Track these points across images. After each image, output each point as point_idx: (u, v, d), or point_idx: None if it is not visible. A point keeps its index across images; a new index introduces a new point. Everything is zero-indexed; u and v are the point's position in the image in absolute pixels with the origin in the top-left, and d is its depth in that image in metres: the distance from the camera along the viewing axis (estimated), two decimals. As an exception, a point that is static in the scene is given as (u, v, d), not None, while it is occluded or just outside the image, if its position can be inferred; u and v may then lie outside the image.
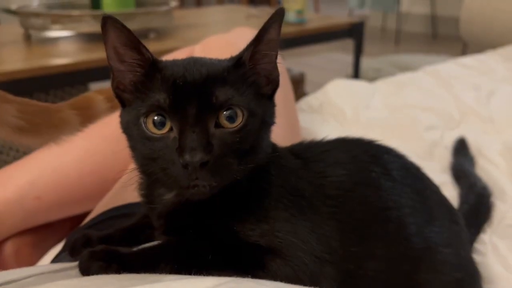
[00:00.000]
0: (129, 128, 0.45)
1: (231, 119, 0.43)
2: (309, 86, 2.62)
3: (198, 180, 0.41)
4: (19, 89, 1.49)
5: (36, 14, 1.71)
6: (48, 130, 0.39)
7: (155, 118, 0.43)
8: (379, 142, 0.58)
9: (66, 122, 0.41)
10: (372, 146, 0.57)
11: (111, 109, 0.45)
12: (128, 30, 0.43)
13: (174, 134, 0.42)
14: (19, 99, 0.40)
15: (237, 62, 0.45)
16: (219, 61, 0.47)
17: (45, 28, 1.69)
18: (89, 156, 0.83)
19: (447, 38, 4.29)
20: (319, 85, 1.51)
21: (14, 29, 1.87)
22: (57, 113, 0.41)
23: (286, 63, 1.05)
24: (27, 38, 1.76)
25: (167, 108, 0.42)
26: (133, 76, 0.45)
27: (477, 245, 0.76)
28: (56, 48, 1.75)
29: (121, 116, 0.47)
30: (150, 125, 0.43)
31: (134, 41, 0.44)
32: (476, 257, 0.71)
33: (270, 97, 0.49)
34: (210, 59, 0.47)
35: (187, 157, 0.40)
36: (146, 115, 0.43)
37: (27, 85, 1.47)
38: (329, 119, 1.28)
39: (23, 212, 0.79)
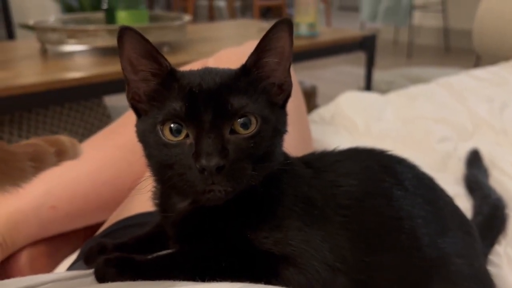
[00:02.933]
0: (146, 136, 0.46)
1: (245, 125, 0.44)
2: (321, 99, 2.62)
3: (214, 184, 0.42)
4: (36, 102, 1.52)
5: (53, 29, 1.74)
6: (2, 177, 0.40)
7: (172, 125, 0.44)
8: (391, 152, 0.58)
9: (22, 173, 0.41)
10: (384, 156, 0.57)
11: (58, 163, 0.46)
12: (146, 40, 0.45)
13: (190, 140, 0.43)
14: None
15: (243, 69, 0.47)
16: (231, 70, 0.48)
17: (61, 42, 1.72)
18: (103, 166, 0.84)
19: (460, 51, 4.28)
20: (331, 98, 1.51)
21: (31, 43, 1.91)
22: (16, 162, 0.41)
23: (298, 76, 1.05)
24: (44, 52, 1.80)
25: (184, 116, 0.43)
26: (148, 85, 0.46)
27: (492, 257, 0.75)
28: (71, 62, 1.78)
29: (137, 125, 0.48)
30: (167, 132, 0.44)
31: (152, 51, 0.45)
32: (491, 269, 0.70)
33: (282, 106, 0.49)
34: (223, 69, 0.49)
35: (204, 161, 0.41)
36: (163, 122, 0.44)
37: (43, 98, 1.50)
38: (341, 131, 1.28)
39: (38, 221, 0.80)
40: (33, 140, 0.47)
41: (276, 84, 0.48)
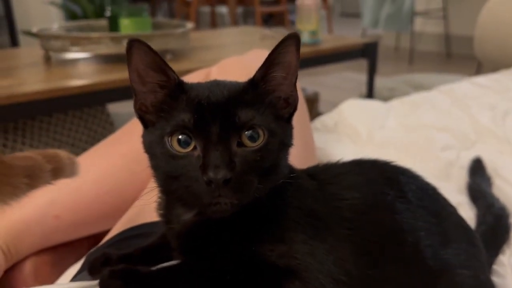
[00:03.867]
0: (152, 147, 0.46)
1: (252, 138, 0.44)
2: (323, 106, 2.62)
3: (221, 197, 0.42)
4: (39, 109, 1.52)
5: (56, 37, 1.75)
6: None
7: (180, 137, 0.44)
8: (395, 163, 0.58)
9: (13, 190, 0.40)
10: (388, 168, 0.57)
11: (53, 179, 0.45)
12: (154, 52, 0.45)
13: (198, 152, 0.43)
14: None
15: (251, 82, 0.47)
16: (239, 83, 0.48)
17: (64, 50, 1.73)
18: (108, 175, 0.85)
19: (461, 57, 4.28)
20: (333, 105, 1.52)
21: (34, 51, 1.92)
22: (10, 177, 0.40)
23: (300, 83, 1.06)
24: (47, 59, 1.81)
25: (192, 127, 0.44)
26: (156, 97, 0.47)
27: (496, 267, 0.75)
28: (75, 69, 1.79)
29: (143, 136, 0.49)
30: (175, 144, 0.44)
31: (160, 63, 0.45)
32: (495, 279, 0.70)
33: (288, 119, 0.50)
34: (231, 82, 0.49)
35: (211, 174, 0.41)
36: (171, 134, 0.44)
37: (46, 106, 1.50)
38: (344, 139, 1.28)
39: (42, 231, 0.80)
40: (31, 154, 0.45)
41: (282, 98, 0.48)
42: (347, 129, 1.32)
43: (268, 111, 0.46)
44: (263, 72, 0.47)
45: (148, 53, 0.45)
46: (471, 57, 3.01)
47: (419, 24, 4.71)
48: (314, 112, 2.42)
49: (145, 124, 0.49)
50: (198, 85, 0.48)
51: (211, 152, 0.42)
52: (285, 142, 0.48)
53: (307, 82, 3.18)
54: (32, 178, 0.42)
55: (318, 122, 1.38)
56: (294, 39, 0.46)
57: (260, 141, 0.45)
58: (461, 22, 4.36)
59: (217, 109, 0.44)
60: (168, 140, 0.44)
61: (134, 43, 0.44)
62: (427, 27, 4.72)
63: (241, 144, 0.44)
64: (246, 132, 0.44)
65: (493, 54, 2.31)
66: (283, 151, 0.48)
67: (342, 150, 1.19)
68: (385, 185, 0.53)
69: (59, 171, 0.46)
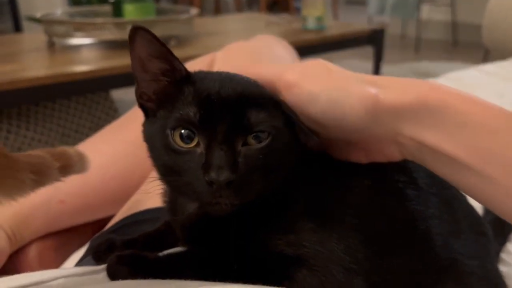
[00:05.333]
0: (153, 138, 0.44)
1: (257, 138, 0.42)
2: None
3: (221, 197, 0.41)
4: (43, 95, 1.52)
5: (60, 22, 1.74)
6: None
7: (183, 131, 0.42)
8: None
9: (19, 184, 0.38)
10: None
11: (62, 176, 0.44)
12: (159, 41, 0.43)
13: (201, 149, 0.41)
14: None
15: (275, 101, 0.45)
16: (252, 81, 0.46)
17: (68, 35, 1.73)
18: (113, 161, 0.84)
19: (468, 45, 4.24)
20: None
21: (38, 36, 1.91)
22: (15, 171, 0.39)
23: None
24: (51, 45, 1.80)
25: (197, 123, 0.41)
26: (159, 86, 0.45)
27: (503, 255, 0.75)
28: (78, 55, 1.78)
29: (144, 125, 0.47)
30: (177, 138, 0.42)
31: (165, 53, 0.43)
32: (502, 268, 0.69)
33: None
34: (243, 77, 0.46)
35: (214, 175, 0.39)
36: (174, 128, 0.42)
37: (50, 92, 1.50)
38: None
39: (47, 216, 0.80)
40: (39, 152, 0.44)
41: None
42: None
43: (278, 112, 0.44)
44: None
45: (152, 42, 0.42)
46: (478, 45, 2.98)
47: (426, 11, 4.66)
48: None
49: (146, 113, 0.47)
50: (208, 76, 0.45)
51: (215, 151, 0.40)
52: (294, 146, 0.46)
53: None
54: (39, 175, 0.41)
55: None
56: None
57: (266, 140, 0.42)
58: (468, 10, 4.31)
59: (226, 106, 0.41)
60: (170, 133, 0.42)
61: (138, 30, 0.42)
62: (434, 14, 4.67)
63: (245, 143, 0.42)
64: (253, 134, 0.42)
65: (502, 41, 2.28)
66: (291, 153, 0.46)
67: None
68: (394, 172, 0.52)
69: (68, 168, 0.45)
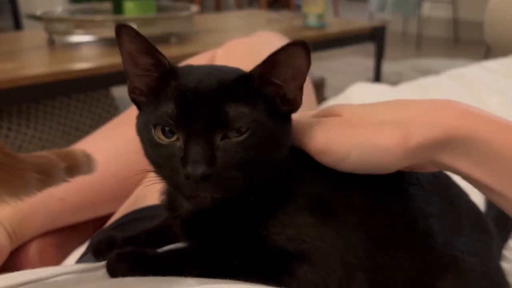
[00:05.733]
0: (141, 132, 0.46)
1: (238, 132, 0.42)
2: (329, 90, 2.60)
3: (200, 191, 0.41)
4: (43, 93, 1.52)
5: (60, 20, 1.74)
6: (1, 184, 0.37)
7: (163, 128, 0.43)
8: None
9: (25, 184, 0.39)
10: None
11: (69, 177, 0.45)
12: (143, 38, 0.43)
13: (180, 143, 0.42)
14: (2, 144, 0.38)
15: (249, 75, 0.44)
16: (235, 73, 0.45)
17: (68, 33, 1.72)
18: (113, 158, 0.84)
19: (469, 42, 4.23)
20: (339, 89, 1.50)
21: (38, 34, 1.91)
22: (20, 171, 0.38)
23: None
24: (51, 43, 1.79)
25: (175, 120, 0.42)
26: (148, 80, 0.45)
27: (506, 252, 0.74)
28: (79, 52, 1.78)
29: (137, 118, 0.48)
30: (159, 132, 0.43)
31: (149, 48, 0.44)
32: (505, 265, 0.69)
33: (286, 117, 0.47)
34: (226, 71, 0.46)
35: (189, 169, 0.40)
36: (155, 125, 0.43)
37: (50, 89, 1.50)
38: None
39: (47, 213, 0.79)
40: (45, 153, 0.44)
41: (283, 97, 0.46)
42: (354, 113, 1.30)
43: (260, 104, 0.43)
44: (262, 69, 0.44)
45: (136, 38, 0.43)
46: (479, 42, 2.97)
47: (427, 8, 4.64)
48: (320, 97, 2.40)
49: (139, 107, 0.47)
50: (190, 71, 0.45)
51: (192, 146, 0.41)
52: (280, 140, 0.46)
53: (313, 66, 3.12)
54: (46, 175, 0.41)
55: (325, 106, 1.36)
56: (301, 45, 0.43)
57: (245, 134, 0.42)
58: (469, 7, 4.30)
59: (203, 102, 0.42)
60: (153, 129, 0.43)
61: (122, 27, 0.43)
62: (435, 11, 4.66)
63: (225, 137, 0.42)
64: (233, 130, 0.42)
65: (504, 38, 2.27)
66: (277, 148, 0.45)
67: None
68: (396, 171, 0.52)
69: (74, 168, 0.45)
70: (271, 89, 0.45)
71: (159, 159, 0.43)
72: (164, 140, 0.43)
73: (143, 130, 0.45)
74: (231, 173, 0.42)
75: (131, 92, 0.47)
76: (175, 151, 0.42)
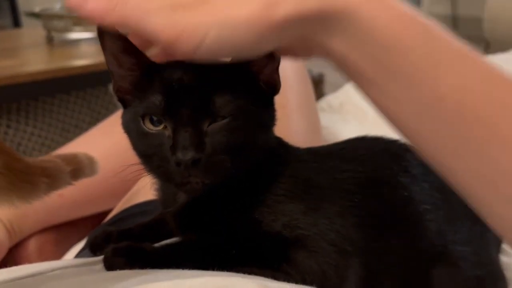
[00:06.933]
0: (129, 126, 0.46)
1: (224, 118, 0.43)
2: (328, 87, 2.60)
3: (191, 177, 0.42)
4: (42, 90, 1.52)
5: (59, 17, 1.74)
6: (10, 188, 0.39)
7: (151, 117, 0.44)
8: (400, 141, 0.57)
9: (33, 187, 0.40)
10: (392, 144, 0.56)
11: (73, 180, 0.46)
12: (124, 37, 0.44)
13: (168, 133, 0.43)
14: (8, 150, 0.39)
15: (232, 66, 0.45)
16: (219, 62, 0.46)
17: (67, 30, 1.72)
18: (111, 154, 0.84)
19: (468, 38, 4.17)
20: (338, 86, 1.50)
21: (37, 31, 1.91)
22: (28, 175, 0.40)
23: (305, 64, 1.04)
24: (50, 40, 1.79)
25: (162, 110, 0.43)
26: (131, 78, 0.46)
27: (504, 246, 0.74)
28: (78, 49, 1.78)
29: (122, 117, 0.49)
30: (147, 122, 0.44)
31: (130, 47, 0.44)
32: (503, 258, 0.69)
33: (268, 101, 0.48)
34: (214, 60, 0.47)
35: (180, 155, 0.41)
36: (143, 116, 0.44)
37: (49, 86, 1.50)
38: (350, 119, 1.27)
39: (46, 209, 0.80)
40: (51, 157, 0.46)
41: (263, 81, 0.47)
42: (353, 109, 1.30)
43: (246, 92, 0.45)
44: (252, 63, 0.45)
45: (119, 38, 0.44)
46: (478, 39, 2.96)
47: (426, 4, 4.64)
48: (319, 93, 2.39)
49: (124, 104, 0.48)
50: (173, 64, 0.46)
51: (180, 133, 0.42)
52: (264, 123, 0.47)
53: (312, 63, 3.15)
54: (52, 179, 0.43)
55: (324, 102, 1.36)
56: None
57: (231, 119, 0.43)
58: (468, 3, 4.29)
59: (190, 91, 0.43)
60: (141, 120, 0.44)
61: (101, 31, 0.44)
62: (434, 7, 4.65)
63: (212, 124, 0.43)
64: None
65: (504, 34, 2.27)
66: (261, 131, 0.47)
67: (347, 130, 1.18)
68: (389, 160, 0.52)
69: (78, 171, 0.47)
70: (252, 75, 0.46)
71: (148, 149, 0.44)
72: (152, 129, 0.44)
73: (130, 124, 0.46)
74: (220, 157, 0.43)
75: (117, 91, 0.48)
76: (164, 140, 0.43)
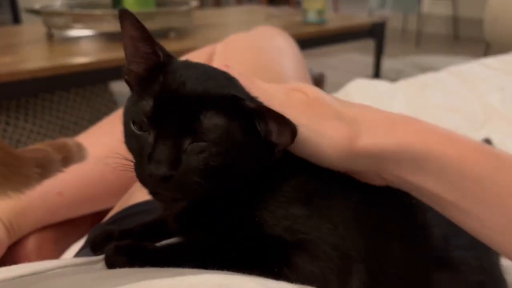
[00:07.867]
0: (125, 116, 0.46)
1: (207, 142, 0.42)
2: (328, 87, 2.60)
3: (160, 189, 0.42)
4: (42, 87, 1.51)
5: (59, 14, 1.73)
6: (3, 181, 0.39)
7: (140, 121, 0.43)
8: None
9: (25, 179, 0.41)
10: None
11: (63, 167, 0.47)
12: (143, 26, 0.44)
13: (151, 139, 0.42)
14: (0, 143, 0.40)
15: (238, 98, 0.43)
16: (228, 81, 0.45)
17: (67, 27, 1.71)
18: (112, 152, 0.83)
19: (469, 39, 4.23)
20: (338, 86, 1.50)
21: (37, 28, 1.90)
22: (20, 167, 0.40)
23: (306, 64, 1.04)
24: (50, 37, 1.79)
25: (149, 117, 0.42)
26: (143, 66, 0.46)
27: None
28: (77, 47, 1.78)
29: (127, 100, 0.48)
30: (135, 124, 0.44)
31: (149, 37, 0.45)
32: (504, 262, 0.69)
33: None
34: (216, 74, 0.46)
35: (152, 168, 0.41)
36: (132, 117, 0.44)
37: (49, 83, 1.49)
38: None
39: (45, 207, 0.79)
40: (40, 146, 0.46)
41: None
42: (353, 109, 1.30)
43: (240, 123, 0.42)
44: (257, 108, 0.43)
45: (137, 24, 0.44)
46: (479, 40, 2.97)
47: (427, 5, 4.63)
48: (319, 93, 2.39)
49: (132, 88, 0.48)
50: (182, 68, 0.45)
51: (159, 145, 0.41)
52: (254, 158, 0.44)
53: (312, 63, 3.15)
54: (44, 168, 0.43)
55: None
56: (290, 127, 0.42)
57: (214, 144, 0.41)
58: (469, 4, 4.29)
59: (181, 105, 0.42)
60: (130, 119, 0.44)
61: (124, 12, 0.44)
62: (435, 8, 4.65)
63: (193, 143, 0.42)
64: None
65: (504, 35, 2.27)
66: (247, 163, 0.44)
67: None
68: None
69: (68, 159, 0.47)
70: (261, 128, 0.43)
71: (131, 147, 0.45)
72: (137, 131, 0.43)
73: (125, 115, 0.46)
74: (193, 178, 0.42)
75: (126, 74, 0.47)
76: (145, 145, 0.42)
